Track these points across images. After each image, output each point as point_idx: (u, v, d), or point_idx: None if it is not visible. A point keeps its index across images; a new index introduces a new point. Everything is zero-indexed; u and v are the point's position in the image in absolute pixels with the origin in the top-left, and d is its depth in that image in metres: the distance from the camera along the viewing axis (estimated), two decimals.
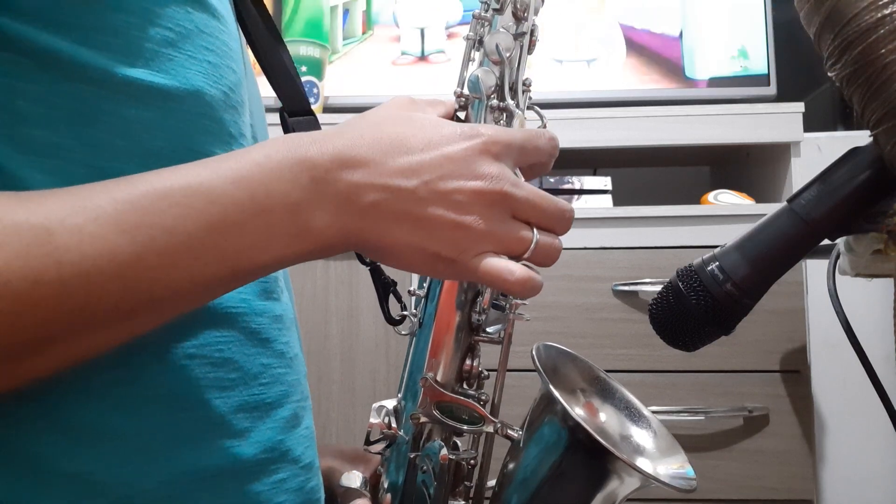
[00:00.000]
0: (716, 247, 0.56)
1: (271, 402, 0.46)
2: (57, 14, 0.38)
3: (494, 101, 0.49)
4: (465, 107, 0.50)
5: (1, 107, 0.37)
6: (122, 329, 0.37)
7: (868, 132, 0.51)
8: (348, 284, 1.26)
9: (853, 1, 0.48)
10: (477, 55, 0.52)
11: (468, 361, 0.51)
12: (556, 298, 1.21)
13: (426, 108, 0.48)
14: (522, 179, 0.43)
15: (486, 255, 0.42)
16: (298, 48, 1.42)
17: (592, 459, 0.49)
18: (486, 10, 0.51)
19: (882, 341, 1.00)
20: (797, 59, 1.53)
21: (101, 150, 0.39)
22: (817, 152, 1.33)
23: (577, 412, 0.49)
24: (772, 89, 1.42)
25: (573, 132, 1.30)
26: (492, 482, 0.54)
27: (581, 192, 1.33)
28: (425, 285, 0.52)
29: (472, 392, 0.52)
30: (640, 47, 1.48)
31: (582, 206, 1.31)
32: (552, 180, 1.33)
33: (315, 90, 1.42)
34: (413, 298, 0.53)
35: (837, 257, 0.66)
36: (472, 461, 0.52)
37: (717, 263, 0.54)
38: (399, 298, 0.58)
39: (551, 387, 0.49)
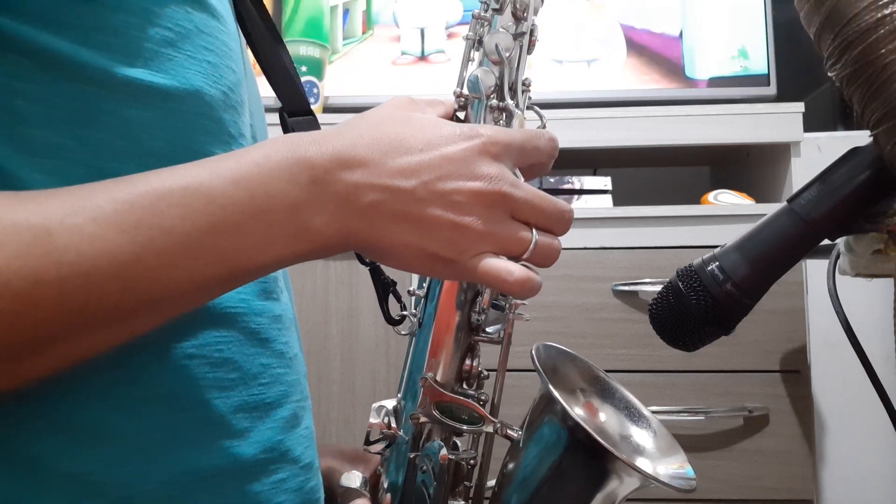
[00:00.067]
0: (716, 247, 0.56)
1: (271, 402, 0.46)
2: (57, 14, 0.38)
3: (494, 101, 0.49)
4: (464, 107, 0.50)
5: (0, 107, 0.37)
6: (121, 329, 0.37)
7: (868, 132, 0.51)
8: (348, 284, 1.26)
9: (853, 1, 0.48)
10: (476, 55, 0.52)
11: (468, 361, 0.51)
12: (556, 298, 1.21)
13: (426, 108, 0.48)
14: (522, 180, 0.43)
15: (485, 255, 0.42)
16: (298, 48, 1.42)
17: (592, 459, 0.49)
18: (486, 10, 0.51)
19: (882, 341, 1.00)
20: (797, 59, 1.53)
21: (100, 150, 0.40)
22: (817, 152, 1.33)
23: (577, 412, 0.49)
24: (772, 89, 1.42)
25: (573, 132, 1.30)
26: (491, 482, 0.54)
27: (581, 192, 1.33)
28: (425, 285, 0.52)
29: (472, 392, 0.52)
30: (640, 47, 1.48)
31: (582, 206, 1.31)
32: (552, 180, 1.33)
33: (315, 90, 1.42)
34: (413, 298, 0.53)
35: (837, 257, 0.66)
36: (471, 461, 0.52)
37: (717, 263, 0.54)
38: (399, 298, 0.58)
39: (551, 387, 0.49)
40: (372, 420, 0.51)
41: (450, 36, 1.51)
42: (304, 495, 0.48)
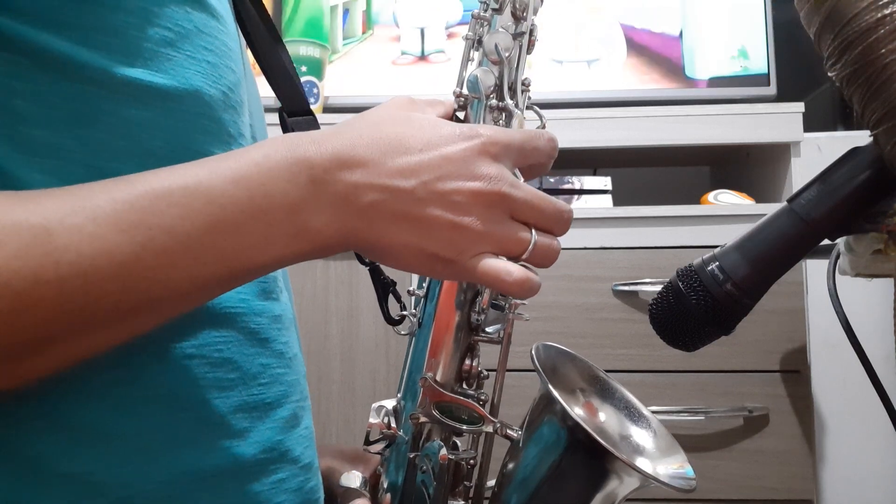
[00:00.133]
0: (716, 247, 0.56)
1: (270, 402, 0.46)
2: (56, 14, 0.38)
3: (493, 101, 0.49)
4: (464, 107, 0.50)
5: (0, 107, 0.37)
6: (121, 329, 0.37)
7: (868, 132, 0.51)
8: (348, 284, 1.26)
9: (853, 1, 0.48)
10: (476, 55, 0.52)
11: (467, 361, 0.51)
12: (556, 298, 1.21)
13: (425, 108, 0.48)
14: (521, 180, 0.43)
15: (484, 255, 0.42)
16: (298, 48, 1.42)
17: (592, 459, 0.49)
18: (486, 10, 0.51)
19: (882, 341, 1.00)
20: (797, 59, 1.52)
21: (100, 150, 0.40)
22: (817, 152, 1.33)
23: (577, 412, 0.49)
24: (772, 89, 1.42)
25: (573, 132, 1.30)
26: (491, 482, 0.54)
27: (581, 192, 1.33)
28: (425, 285, 0.52)
29: (472, 392, 0.52)
30: (640, 47, 1.48)
31: (582, 206, 1.31)
32: (552, 180, 1.33)
33: (315, 90, 1.42)
34: (412, 298, 0.53)
35: (837, 257, 0.66)
36: (471, 461, 0.52)
37: (717, 263, 0.54)
38: (399, 298, 0.58)
39: (550, 387, 0.49)
40: (372, 420, 0.51)
41: (450, 36, 1.51)
42: (303, 495, 0.48)
